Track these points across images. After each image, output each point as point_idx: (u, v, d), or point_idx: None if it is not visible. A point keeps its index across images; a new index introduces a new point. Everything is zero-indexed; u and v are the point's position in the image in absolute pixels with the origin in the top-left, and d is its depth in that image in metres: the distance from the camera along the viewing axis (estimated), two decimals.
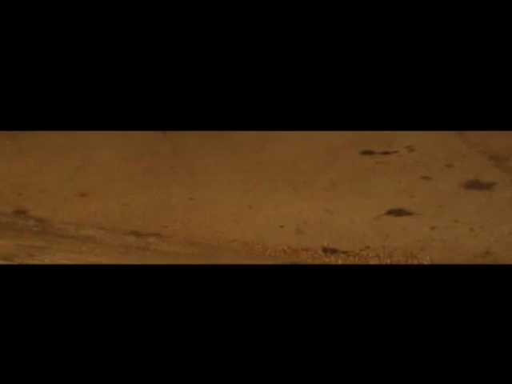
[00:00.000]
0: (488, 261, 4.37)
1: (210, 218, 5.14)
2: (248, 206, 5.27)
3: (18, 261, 3.87)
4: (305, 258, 4.59)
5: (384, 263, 4.44)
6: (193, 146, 6.33)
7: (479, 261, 4.38)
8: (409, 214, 5.02)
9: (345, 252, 4.62)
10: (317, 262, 4.53)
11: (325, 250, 4.65)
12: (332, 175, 5.67)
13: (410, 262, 4.44)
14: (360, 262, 4.49)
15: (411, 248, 4.60)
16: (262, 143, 6.33)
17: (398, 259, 4.49)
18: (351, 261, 4.53)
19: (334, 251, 4.64)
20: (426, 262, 4.41)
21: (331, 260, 4.56)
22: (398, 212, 5.04)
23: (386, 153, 6.00)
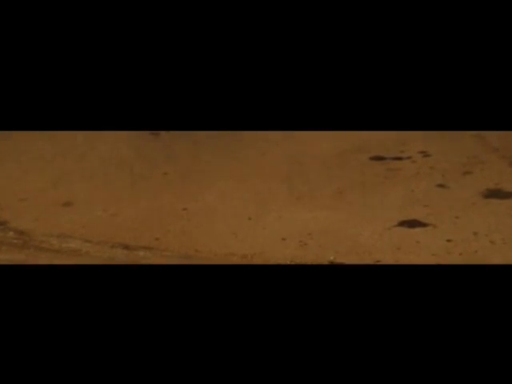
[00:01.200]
0: None
1: (205, 230, 5.11)
2: (247, 217, 5.25)
3: None
4: None
5: None
6: (187, 149, 6.33)
7: None
8: (423, 225, 4.99)
9: None
10: None
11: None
12: (339, 183, 5.64)
13: None
14: None
15: (426, 262, 4.58)
16: (262, 147, 6.31)
17: None
18: None
19: None
20: None
21: None
22: (411, 223, 5.02)
23: (397, 158, 5.98)
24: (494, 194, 5.26)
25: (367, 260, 4.64)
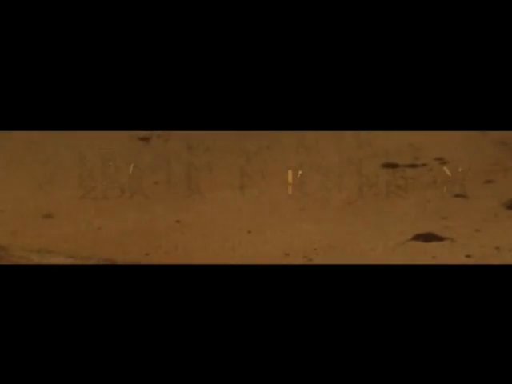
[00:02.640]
0: None
1: (200, 244, 5.10)
2: (246, 230, 5.24)
3: None
4: None
5: None
6: (179, 157, 6.31)
7: None
8: (440, 239, 4.97)
9: None
10: None
11: None
12: (348, 192, 5.65)
13: None
14: None
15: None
16: (262, 151, 6.31)
17: None
18: None
19: None
20: None
21: None
22: (427, 237, 5.00)
23: (412, 166, 5.97)
24: None
25: None
